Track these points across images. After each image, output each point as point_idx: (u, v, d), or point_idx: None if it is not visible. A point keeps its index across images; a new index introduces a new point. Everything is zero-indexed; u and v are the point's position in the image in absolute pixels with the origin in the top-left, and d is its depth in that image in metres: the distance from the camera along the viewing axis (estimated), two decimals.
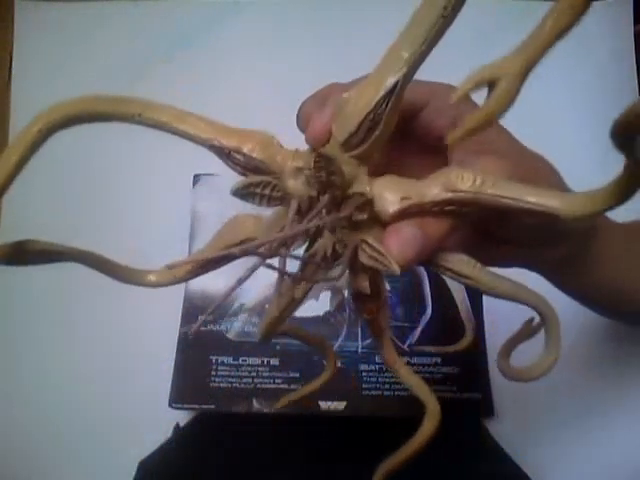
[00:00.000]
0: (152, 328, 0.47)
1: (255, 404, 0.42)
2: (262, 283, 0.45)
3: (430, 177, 0.19)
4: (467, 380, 0.43)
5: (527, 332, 0.22)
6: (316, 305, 0.44)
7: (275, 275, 0.20)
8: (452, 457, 0.40)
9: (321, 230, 0.20)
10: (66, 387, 0.47)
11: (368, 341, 0.44)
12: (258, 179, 0.19)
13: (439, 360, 0.43)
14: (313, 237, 0.20)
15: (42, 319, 0.49)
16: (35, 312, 0.49)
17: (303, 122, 0.22)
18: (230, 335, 0.44)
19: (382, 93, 0.17)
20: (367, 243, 0.19)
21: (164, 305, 0.46)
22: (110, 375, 0.47)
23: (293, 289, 0.21)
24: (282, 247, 0.19)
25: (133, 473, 0.39)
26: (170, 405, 0.42)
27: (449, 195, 0.18)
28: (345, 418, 0.41)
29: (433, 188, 0.19)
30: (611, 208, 0.16)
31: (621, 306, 0.34)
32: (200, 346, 0.44)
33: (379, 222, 0.19)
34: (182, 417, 0.44)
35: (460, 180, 0.18)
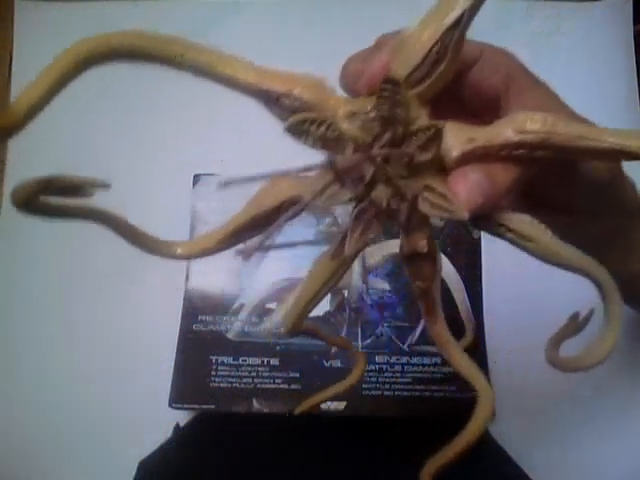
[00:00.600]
0: (152, 328, 0.47)
1: (255, 404, 0.42)
2: (262, 283, 0.45)
3: (495, 122, 0.18)
4: (467, 380, 0.43)
5: (574, 327, 0.21)
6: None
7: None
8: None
9: (374, 181, 0.18)
10: (66, 387, 0.47)
11: (368, 341, 0.44)
12: (314, 115, 0.18)
13: (439, 360, 0.43)
14: (365, 192, 0.18)
15: (42, 319, 0.49)
16: (35, 312, 0.49)
17: (351, 76, 0.20)
18: (230, 335, 0.44)
19: (448, 23, 0.17)
20: (430, 188, 0.18)
21: (164, 305, 0.47)
22: (110, 375, 0.47)
23: (342, 252, 0.19)
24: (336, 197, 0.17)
25: (133, 473, 0.39)
26: (170, 405, 0.42)
27: (519, 137, 0.17)
28: (345, 418, 0.41)
29: (501, 130, 0.17)
30: None
31: None
32: (200, 346, 0.44)
33: (439, 170, 0.18)
34: (182, 417, 0.44)
35: (530, 121, 0.17)
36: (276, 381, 0.43)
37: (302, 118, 0.18)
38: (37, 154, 0.54)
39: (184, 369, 0.44)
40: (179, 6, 0.57)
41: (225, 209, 0.50)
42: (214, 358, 0.44)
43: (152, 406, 0.44)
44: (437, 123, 0.17)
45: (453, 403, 0.42)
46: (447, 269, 0.46)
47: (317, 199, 0.18)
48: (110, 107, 0.53)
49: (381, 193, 0.18)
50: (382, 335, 0.44)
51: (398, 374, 0.43)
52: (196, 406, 0.43)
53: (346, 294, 0.45)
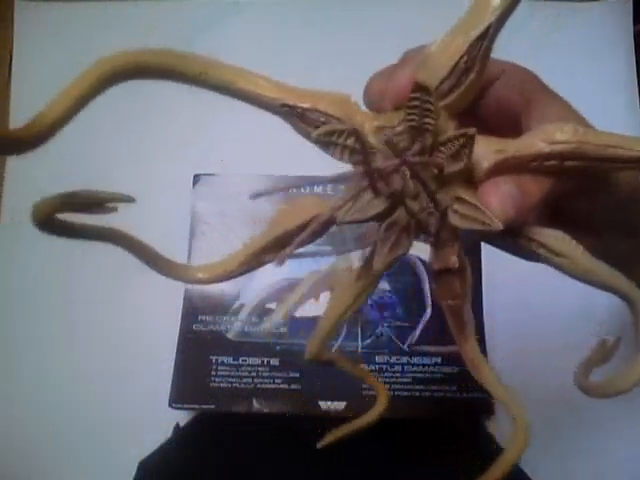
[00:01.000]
0: (152, 328, 0.47)
1: (255, 404, 0.42)
2: (262, 283, 0.45)
3: (525, 134, 0.18)
4: (467, 380, 0.43)
5: (602, 353, 0.21)
6: (316, 305, 0.44)
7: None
8: (452, 457, 0.40)
9: (404, 194, 0.18)
10: (66, 387, 0.47)
11: (368, 341, 0.44)
12: (342, 126, 0.17)
13: (439, 360, 0.43)
14: (394, 204, 0.18)
15: (42, 319, 0.49)
16: (35, 312, 0.49)
17: (376, 94, 0.19)
18: (230, 335, 0.44)
19: (476, 35, 0.17)
20: (461, 200, 0.17)
21: (164, 305, 0.47)
22: (110, 375, 0.47)
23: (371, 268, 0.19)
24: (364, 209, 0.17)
25: (133, 473, 0.39)
26: (170, 405, 0.42)
27: (551, 147, 0.17)
28: (345, 418, 0.41)
29: (532, 141, 0.17)
30: None
31: None
32: (200, 346, 0.44)
33: (469, 182, 0.18)
34: (182, 417, 0.44)
35: (560, 132, 0.17)
36: (276, 381, 0.43)
37: (330, 129, 0.17)
38: (36, 152, 0.54)
39: (184, 369, 0.44)
40: (179, 6, 0.57)
41: (225, 209, 0.50)
42: (214, 358, 0.44)
43: (152, 406, 0.44)
44: (468, 130, 0.16)
45: (453, 403, 0.42)
46: None
47: (348, 210, 0.17)
48: (110, 107, 0.53)
49: (411, 205, 0.18)
50: (382, 335, 0.44)
51: (398, 374, 0.43)
52: (196, 406, 0.43)
53: None
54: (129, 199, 0.19)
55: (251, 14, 0.57)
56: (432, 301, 0.45)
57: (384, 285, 0.45)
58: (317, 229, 0.18)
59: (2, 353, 0.48)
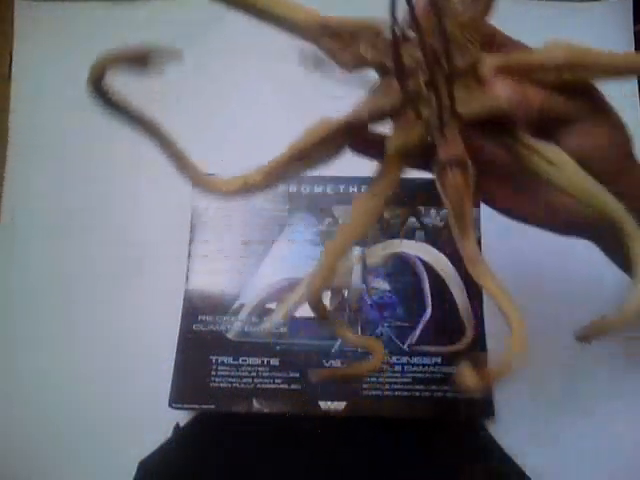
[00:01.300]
0: (152, 328, 0.47)
1: (255, 404, 0.42)
2: (262, 283, 0.45)
3: (529, 50, 0.21)
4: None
5: (601, 326, 0.21)
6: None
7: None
8: (452, 457, 0.40)
9: (418, 82, 0.20)
10: (66, 387, 0.47)
11: None
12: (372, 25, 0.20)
13: (439, 360, 0.43)
14: (411, 89, 0.20)
15: (42, 319, 0.49)
16: (35, 312, 0.49)
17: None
18: (230, 335, 0.44)
19: None
20: (469, 86, 0.20)
21: (164, 305, 0.47)
22: (110, 375, 0.47)
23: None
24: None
25: (133, 473, 0.39)
26: (170, 405, 0.42)
27: (551, 59, 0.20)
28: (345, 418, 0.41)
29: (534, 54, 0.20)
30: None
31: None
32: (200, 346, 0.44)
33: (476, 81, 0.20)
34: (182, 417, 0.44)
35: (559, 48, 0.20)
36: (276, 381, 0.43)
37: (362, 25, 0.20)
38: (36, 150, 0.54)
39: (184, 369, 0.44)
40: (179, 6, 0.57)
41: (225, 208, 0.50)
42: (214, 358, 0.44)
43: (152, 406, 0.44)
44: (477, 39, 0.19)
45: (453, 403, 0.42)
46: (447, 269, 0.46)
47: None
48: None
49: (426, 96, 0.20)
50: (382, 335, 0.44)
51: (398, 374, 0.43)
52: (196, 406, 0.43)
53: (346, 294, 0.45)
54: (177, 55, 0.18)
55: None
56: (432, 301, 0.45)
57: (384, 285, 0.45)
58: (328, 137, 0.19)
59: (2, 353, 0.48)
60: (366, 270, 0.45)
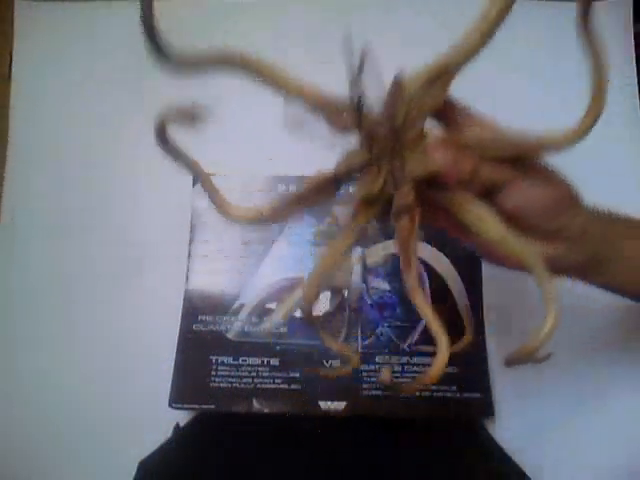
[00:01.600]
0: (152, 328, 0.47)
1: (255, 404, 0.42)
2: (262, 283, 0.45)
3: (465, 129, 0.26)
4: (467, 380, 0.43)
5: (523, 353, 0.25)
6: (316, 305, 0.44)
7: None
8: (452, 457, 0.40)
9: (381, 151, 0.25)
10: (66, 387, 0.47)
11: (368, 341, 0.44)
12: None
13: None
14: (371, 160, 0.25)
15: (42, 319, 0.49)
16: (35, 312, 0.49)
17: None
18: (230, 335, 0.44)
19: (441, 67, 0.24)
20: (415, 154, 0.25)
21: (164, 305, 0.47)
22: (110, 375, 0.47)
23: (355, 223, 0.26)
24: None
25: (133, 473, 0.39)
26: (170, 405, 0.42)
27: (480, 138, 0.25)
28: (345, 418, 0.41)
29: (472, 133, 0.25)
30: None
31: None
32: (200, 346, 0.44)
33: (424, 149, 0.25)
34: (182, 417, 0.44)
35: (488, 130, 0.26)
36: (276, 381, 0.43)
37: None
38: (36, 150, 0.54)
39: (184, 369, 0.44)
40: (179, 6, 0.57)
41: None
42: (214, 358, 0.44)
43: (152, 406, 0.44)
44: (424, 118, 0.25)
45: (453, 403, 0.42)
46: (447, 269, 0.46)
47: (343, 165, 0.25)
48: (109, 107, 0.53)
49: (386, 159, 0.25)
50: (382, 335, 0.44)
51: (398, 374, 0.43)
52: (196, 406, 0.43)
53: (346, 294, 0.45)
54: (208, 111, 0.23)
55: (251, 14, 0.57)
56: (432, 301, 0.45)
57: (384, 285, 0.45)
58: (321, 186, 0.25)
59: (2, 353, 0.48)
60: (366, 270, 0.45)
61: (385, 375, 0.26)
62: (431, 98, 0.25)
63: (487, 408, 0.43)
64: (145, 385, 0.45)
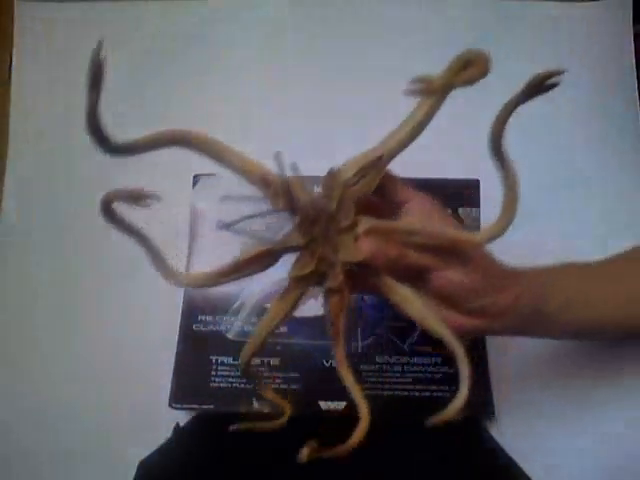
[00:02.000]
0: (152, 328, 0.47)
1: (255, 404, 0.42)
2: (262, 283, 0.45)
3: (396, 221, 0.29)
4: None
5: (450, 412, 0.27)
6: (316, 305, 0.44)
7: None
8: (452, 457, 0.40)
9: (315, 236, 0.27)
10: (66, 387, 0.47)
11: (368, 341, 0.44)
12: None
13: (439, 360, 0.43)
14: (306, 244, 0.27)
15: (42, 319, 0.49)
16: (35, 312, 0.49)
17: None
18: (230, 335, 0.44)
19: (372, 158, 0.27)
20: (345, 242, 0.27)
21: (164, 305, 0.46)
22: (110, 375, 0.47)
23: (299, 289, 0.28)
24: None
25: (133, 473, 0.39)
26: (170, 405, 0.42)
27: (404, 227, 0.28)
28: (345, 418, 0.41)
29: (396, 224, 0.28)
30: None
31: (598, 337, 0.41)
32: (200, 346, 0.44)
33: (353, 237, 0.27)
34: (182, 417, 0.44)
35: (411, 221, 0.28)
36: (276, 381, 0.43)
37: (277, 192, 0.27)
38: (36, 150, 0.54)
39: (184, 369, 0.44)
40: (179, 6, 0.57)
41: (224, 209, 0.50)
42: (214, 358, 0.44)
43: (152, 406, 0.44)
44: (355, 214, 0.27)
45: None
46: None
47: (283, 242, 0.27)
48: (109, 108, 0.53)
49: (319, 244, 0.27)
50: (382, 335, 0.44)
51: (398, 374, 0.43)
52: (196, 406, 0.43)
53: None
54: (156, 197, 0.26)
55: (251, 14, 0.57)
56: None
57: None
58: (259, 257, 0.28)
59: (2, 353, 0.48)
60: None
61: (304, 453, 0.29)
62: (364, 186, 0.27)
63: (487, 408, 0.43)
64: (145, 385, 0.45)
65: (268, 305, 0.45)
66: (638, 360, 0.46)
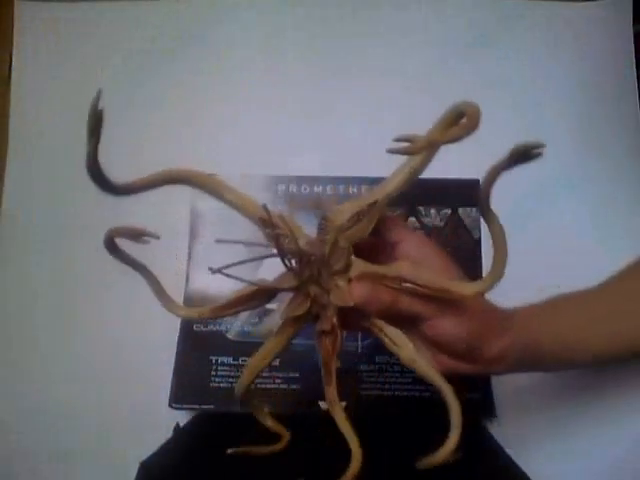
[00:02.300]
0: (152, 328, 0.47)
1: (255, 404, 0.42)
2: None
3: (388, 264, 0.28)
4: (467, 380, 0.43)
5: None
6: None
7: None
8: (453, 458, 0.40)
9: (309, 277, 0.27)
10: (66, 387, 0.47)
11: (368, 341, 0.44)
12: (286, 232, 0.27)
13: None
14: (301, 284, 0.27)
15: (42, 319, 0.49)
16: (35, 312, 0.49)
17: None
18: (230, 335, 0.44)
19: (369, 202, 0.27)
20: (337, 286, 0.27)
21: None
22: (110, 375, 0.47)
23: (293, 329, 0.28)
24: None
25: (134, 473, 0.39)
26: (170, 405, 0.42)
27: (397, 273, 0.27)
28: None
29: (389, 268, 0.27)
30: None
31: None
32: (200, 346, 0.44)
33: (346, 281, 0.27)
34: (182, 417, 0.44)
35: (405, 267, 0.27)
36: (276, 381, 0.43)
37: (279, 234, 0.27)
38: (36, 150, 0.54)
39: (184, 369, 0.44)
40: (179, 6, 0.57)
41: (225, 209, 0.50)
42: (214, 358, 0.44)
43: (152, 406, 0.44)
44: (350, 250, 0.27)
45: None
46: None
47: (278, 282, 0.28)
48: (109, 109, 0.53)
49: (312, 286, 0.27)
50: None
51: (398, 374, 0.43)
52: (196, 406, 0.43)
53: None
54: (155, 236, 0.27)
55: (251, 14, 0.57)
56: None
57: None
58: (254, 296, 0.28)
59: (2, 353, 0.48)
60: None
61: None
62: (358, 231, 0.27)
63: (488, 409, 0.43)
64: (145, 385, 0.45)
65: (268, 305, 0.45)
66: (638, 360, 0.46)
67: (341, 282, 0.27)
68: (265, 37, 0.57)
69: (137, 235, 0.27)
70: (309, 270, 0.27)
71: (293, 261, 0.27)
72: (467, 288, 0.27)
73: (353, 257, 0.28)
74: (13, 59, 0.55)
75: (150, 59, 0.55)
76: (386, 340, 0.28)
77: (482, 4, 0.56)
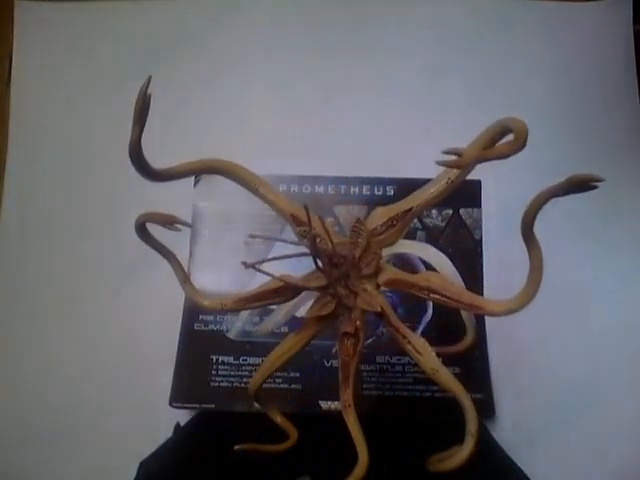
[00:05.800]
0: (152, 328, 0.47)
1: (255, 404, 0.42)
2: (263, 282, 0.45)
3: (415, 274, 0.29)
4: (467, 380, 0.43)
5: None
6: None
7: None
8: None
9: (337, 278, 0.27)
10: (66, 387, 0.47)
11: (369, 341, 0.44)
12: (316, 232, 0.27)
13: (440, 360, 0.43)
14: (328, 285, 0.28)
15: (42, 319, 0.49)
16: (35, 312, 0.49)
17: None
18: (231, 335, 0.44)
19: (403, 210, 0.28)
20: (365, 290, 0.28)
21: (165, 304, 0.47)
22: (110, 375, 0.47)
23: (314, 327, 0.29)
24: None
25: (133, 473, 0.39)
26: (170, 404, 0.42)
27: (424, 282, 0.27)
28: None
29: (416, 277, 0.28)
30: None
31: None
32: (201, 345, 0.44)
33: (374, 285, 0.28)
34: (182, 416, 0.44)
35: (432, 277, 0.28)
36: (276, 381, 0.43)
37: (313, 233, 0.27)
38: (36, 150, 0.54)
39: (185, 368, 0.44)
40: (179, 6, 0.57)
41: (226, 209, 0.50)
42: (214, 357, 0.44)
43: (152, 406, 0.44)
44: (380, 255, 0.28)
45: (453, 403, 0.42)
46: (448, 269, 0.45)
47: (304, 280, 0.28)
48: (109, 109, 0.53)
49: (340, 287, 0.28)
50: (383, 335, 0.44)
51: (399, 374, 0.43)
52: (196, 405, 0.43)
53: None
54: (187, 224, 0.28)
55: (251, 14, 0.57)
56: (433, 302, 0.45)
57: None
58: (280, 291, 0.29)
59: (2, 353, 0.48)
60: None
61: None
62: (390, 236, 0.28)
63: (488, 408, 0.43)
64: (145, 385, 0.46)
65: (269, 305, 0.45)
66: (637, 360, 0.46)
67: (369, 286, 0.27)
68: (265, 37, 0.57)
69: (168, 222, 0.27)
70: (338, 271, 0.27)
71: (321, 262, 0.27)
72: (499, 306, 0.27)
73: (382, 262, 0.28)
74: (13, 59, 0.55)
75: (149, 59, 0.55)
76: (409, 347, 0.29)
77: (482, 4, 0.56)
